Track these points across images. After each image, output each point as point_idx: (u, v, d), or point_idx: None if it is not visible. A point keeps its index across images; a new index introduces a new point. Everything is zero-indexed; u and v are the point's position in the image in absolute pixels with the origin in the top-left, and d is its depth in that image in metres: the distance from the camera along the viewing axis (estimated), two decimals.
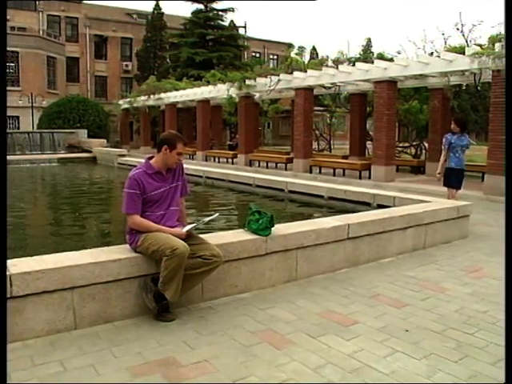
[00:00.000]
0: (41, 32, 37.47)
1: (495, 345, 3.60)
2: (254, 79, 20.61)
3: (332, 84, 18.56)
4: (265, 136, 44.93)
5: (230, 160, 22.92)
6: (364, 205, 8.16)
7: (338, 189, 9.24)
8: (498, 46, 12.10)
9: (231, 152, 23.78)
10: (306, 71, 18.17)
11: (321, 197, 9.31)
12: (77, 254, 3.97)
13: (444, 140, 8.86)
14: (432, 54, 16.00)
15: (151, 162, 4.14)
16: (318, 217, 6.13)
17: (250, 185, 11.52)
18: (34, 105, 31.19)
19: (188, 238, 3.99)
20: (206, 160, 24.35)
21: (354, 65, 16.84)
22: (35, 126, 30.24)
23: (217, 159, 24.13)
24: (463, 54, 13.27)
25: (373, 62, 16.00)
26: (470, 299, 4.58)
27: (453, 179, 8.42)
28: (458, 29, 15.84)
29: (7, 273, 3.44)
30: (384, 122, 15.30)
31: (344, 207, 8.37)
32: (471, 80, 15.16)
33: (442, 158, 8.76)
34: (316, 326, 3.89)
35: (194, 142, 27.39)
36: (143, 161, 4.23)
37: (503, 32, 12.92)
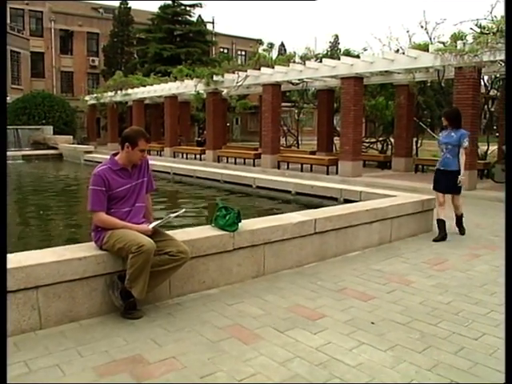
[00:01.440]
0: None
1: (458, 334, 3.68)
2: (222, 75, 20.52)
3: (299, 80, 18.64)
4: (233, 132, 44.90)
5: (198, 156, 22.81)
6: (331, 200, 8.21)
7: (305, 184, 9.29)
8: (459, 44, 12.34)
9: (199, 148, 23.65)
10: (273, 67, 18.18)
11: (288, 192, 9.34)
12: (40, 253, 3.89)
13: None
14: (397, 51, 16.18)
15: (116, 158, 4.09)
16: (285, 212, 6.14)
17: (218, 181, 11.49)
18: None
19: (154, 234, 3.96)
20: (174, 156, 24.18)
21: (321, 61, 16.93)
22: None
23: (185, 155, 23.99)
24: (427, 51, 13.49)
25: (339, 59, 16.13)
26: (434, 291, 4.67)
27: (441, 183, 6.97)
28: (422, 26, 16.05)
29: None
30: (351, 118, 15.44)
31: (311, 202, 8.41)
32: (435, 77, 15.43)
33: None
34: (284, 320, 3.91)
35: (162, 138, 27.19)
36: (109, 157, 4.17)
37: (464, 30, 13.20)
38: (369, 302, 4.36)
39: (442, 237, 6.72)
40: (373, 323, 3.88)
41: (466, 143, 6.84)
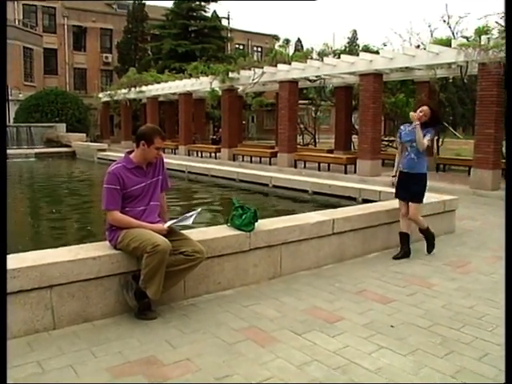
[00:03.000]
0: (16, 22, 36.92)
1: (481, 340, 3.64)
2: (238, 72, 20.54)
3: (317, 77, 18.57)
4: (249, 130, 44.92)
5: (213, 154, 22.83)
6: (349, 199, 8.18)
7: (322, 183, 9.26)
8: (484, 39, 12.19)
9: (214, 146, 23.69)
10: (290, 64, 18.15)
11: (305, 191, 9.32)
12: (55, 252, 3.94)
13: None
14: (418, 46, 16.08)
15: (131, 156, 4.11)
16: (303, 212, 6.13)
17: (233, 180, 11.50)
18: (10, 98, 30.76)
19: (169, 233, 3.97)
20: (189, 154, 24.24)
21: (339, 57, 16.84)
22: (12, 120, 29.83)
23: (200, 154, 24.03)
24: (450, 46, 13.36)
25: (358, 55, 16.04)
26: (457, 294, 4.63)
27: (404, 189, 5.96)
28: (444, 21, 15.93)
29: None
30: (370, 116, 15.35)
31: (329, 202, 8.39)
32: (458, 73, 15.27)
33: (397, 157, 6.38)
34: (301, 322, 3.90)
35: (177, 136, 27.25)
36: (123, 155, 4.20)
37: (489, 24, 13.03)
38: (388, 304, 4.33)
39: (404, 253, 5.87)
40: (392, 326, 3.85)
41: (428, 136, 5.83)
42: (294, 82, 18.53)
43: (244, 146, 22.95)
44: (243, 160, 21.01)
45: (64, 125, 26.63)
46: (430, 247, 6.09)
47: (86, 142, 24.85)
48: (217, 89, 22.22)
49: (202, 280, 4.45)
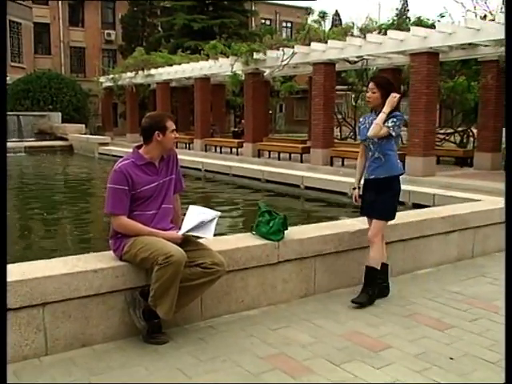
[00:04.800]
0: None
1: None
2: (264, 52, 20.59)
3: (358, 57, 18.52)
4: (276, 121, 44.95)
5: (234, 150, 22.94)
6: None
7: None
8: None
9: (236, 140, 23.81)
10: (326, 42, 18.13)
11: (344, 194, 9.30)
12: (48, 263, 3.97)
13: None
14: (485, 17, 15.84)
15: (141, 151, 4.14)
16: (341, 218, 6.12)
17: (258, 179, 11.53)
18: None
19: (184, 242, 3.99)
20: (206, 150, 24.40)
21: (385, 33, 16.78)
22: None
23: (219, 149, 24.17)
24: None
25: (409, 30, 15.92)
26: None
27: (369, 201, 5.04)
28: None
29: None
30: (422, 104, 15.25)
31: None
32: None
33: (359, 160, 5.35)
34: (339, 350, 3.88)
35: (192, 128, 27.43)
36: (130, 150, 4.23)
37: None
38: (446, 331, 4.28)
39: (370, 294, 4.87)
40: (452, 359, 3.80)
41: (390, 122, 4.78)
42: (331, 63, 18.52)
43: (271, 140, 22.99)
44: (269, 157, 21.05)
45: (59, 114, 26.98)
46: (387, 290, 5.09)
47: (84, 134, 25.15)
48: (239, 72, 22.30)
49: (222, 298, 4.46)
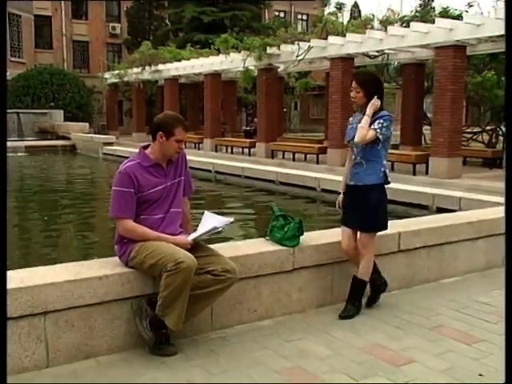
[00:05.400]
0: None
1: None
2: (278, 46, 20.61)
3: (379, 52, 18.49)
4: (291, 120, 44.97)
5: (246, 150, 22.96)
6: (420, 208, 8.12)
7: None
8: None
9: (248, 140, 23.84)
10: (344, 35, 18.11)
11: None
12: (50, 270, 3.98)
13: None
14: None
15: (147, 151, 4.15)
16: None
17: (272, 182, 11.54)
18: None
19: (194, 248, 4.00)
20: (216, 150, 24.42)
21: (408, 26, 16.75)
22: None
23: (230, 149, 24.20)
24: None
25: (433, 22, 15.85)
26: None
27: (350, 209, 4.94)
28: None
29: None
30: (447, 101, 15.19)
31: (394, 211, 8.31)
32: None
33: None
34: (358, 364, 3.87)
35: (201, 127, 27.47)
36: (137, 151, 4.24)
37: None
38: (474, 345, 4.25)
39: (355, 310, 4.83)
40: (481, 375, 3.77)
41: (376, 125, 4.60)
42: (350, 58, 18.50)
43: (285, 140, 23.01)
44: (284, 157, 21.05)
45: (61, 112, 27.06)
46: (377, 297, 5.11)
47: (88, 133, 25.22)
48: (252, 68, 22.33)
49: (234, 307, 4.46)
